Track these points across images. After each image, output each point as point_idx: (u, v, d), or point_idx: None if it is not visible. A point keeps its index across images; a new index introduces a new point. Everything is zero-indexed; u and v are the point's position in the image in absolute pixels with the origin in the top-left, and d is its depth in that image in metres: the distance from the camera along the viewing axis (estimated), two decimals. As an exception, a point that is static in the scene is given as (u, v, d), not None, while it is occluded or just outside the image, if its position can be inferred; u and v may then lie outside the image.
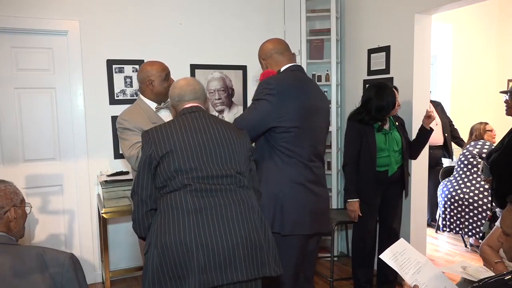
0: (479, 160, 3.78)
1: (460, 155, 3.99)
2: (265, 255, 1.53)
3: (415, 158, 3.02)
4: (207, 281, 1.43)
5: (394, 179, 2.80)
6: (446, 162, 4.60)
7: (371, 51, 3.39)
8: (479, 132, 3.95)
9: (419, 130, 2.90)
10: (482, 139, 3.91)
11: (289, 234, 1.85)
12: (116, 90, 3.28)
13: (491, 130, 3.94)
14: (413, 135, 3.04)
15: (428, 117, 2.83)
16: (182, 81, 1.80)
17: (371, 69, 3.39)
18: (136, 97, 3.30)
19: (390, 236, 2.81)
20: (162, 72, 2.33)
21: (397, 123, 2.87)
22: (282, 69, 1.99)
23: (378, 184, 2.75)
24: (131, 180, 2.57)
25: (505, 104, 2.53)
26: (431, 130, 2.87)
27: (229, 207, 1.52)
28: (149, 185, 1.60)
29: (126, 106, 3.24)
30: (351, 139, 2.78)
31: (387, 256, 1.60)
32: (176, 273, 1.44)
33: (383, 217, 2.87)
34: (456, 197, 3.85)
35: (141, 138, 1.67)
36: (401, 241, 1.68)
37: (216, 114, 3.64)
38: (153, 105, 2.37)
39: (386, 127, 2.81)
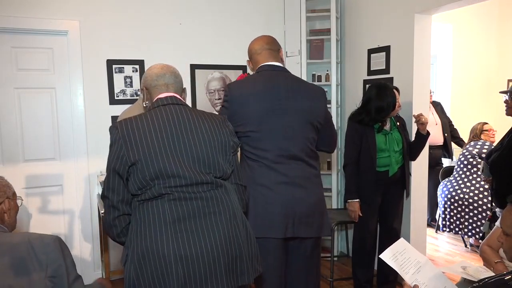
0: (479, 160, 3.78)
1: (460, 155, 4.00)
2: (244, 264, 1.47)
3: (414, 160, 3.02)
4: None
5: (395, 179, 2.80)
6: (446, 162, 4.60)
7: (371, 51, 3.39)
8: (475, 132, 3.95)
9: (416, 134, 2.89)
10: (480, 139, 3.91)
11: (258, 237, 1.76)
12: (116, 90, 3.28)
13: (488, 130, 3.94)
14: (413, 135, 3.04)
15: (421, 124, 2.79)
16: (160, 64, 1.63)
17: (371, 69, 3.40)
18: (137, 97, 3.32)
19: (391, 236, 2.80)
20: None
21: (398, 124, 2.87)
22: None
23: (379, 184, 2.76)
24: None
25: (505, 104, 2.53)
26: (428, 134, 2.85)
27: (209, 216, 1.43)
28: (120, 189, 1.45)
29: (126, 106, 3.27)
30: (351, 140, 2.78)
31: (387, 256, 1.60)
32: (154, 287, 1.35)
33: (383, 217, 2.87)
34: (456, 197, 3.85)
35: (110, 133, 1.47)
36: (401, 241, 1.68)
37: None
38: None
39: (387, 127, 2.81)
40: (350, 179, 2.78)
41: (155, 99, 1.56)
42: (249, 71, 2.14)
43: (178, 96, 1.58)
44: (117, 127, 1.46)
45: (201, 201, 1.44)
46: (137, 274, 1.37)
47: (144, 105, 1.64)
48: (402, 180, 2.85)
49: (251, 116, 1.83)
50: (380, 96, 2.67)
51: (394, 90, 2.76)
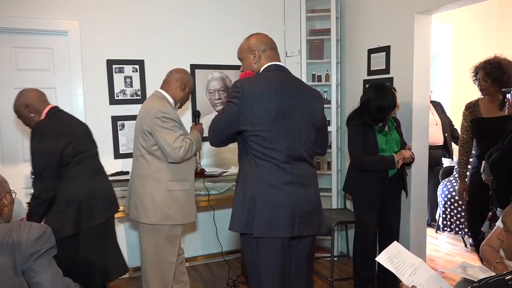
0: (479, 160, 3.78)
1: (460, 155, 3.99)
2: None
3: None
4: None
5: (394, 180, 2.80)
6: (446, 162, 4.60)
7: (371, 51, 3.39)
8: None
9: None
10: None
11: (263, 236, 1.81)
12: (116, 90, 3.28)
13: None
14: (413, 135, 3.04)
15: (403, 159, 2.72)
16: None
17: (371, 69, 3.40)
18: (137, 97, 3.32)
19: (391, 236, 2.80)
20: (192, 86, 2.57)
21: (395, 124, 2.88)
22: (261, 69, 1.95)
23: (377, 184, 2.76)
24: (127, 180, 2.57)
25: (506, 103, 2.53)
26: (403, 166, 2.81)
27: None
28: None
29: (126, 106, 3.29)
30: (357, 140, 2.75)
31: (383, 258, 1.62)
32: None
33: (383, 217, 2.86)
34: (456, 197, 3.85)
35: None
36: (395, 244, 1.71)
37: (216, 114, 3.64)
38: (173, 103, 2.47)
39: (386, 128, 2.81)
40: (377, 160, 2.71)
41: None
42: (243, 67, 2.05)
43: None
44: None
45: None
46: None
47: None
48: (400, 180, 2.85)
49: (262, 115, 1.81)
50: (380, 96, 2.67)
51: (393, 90, 2.76)
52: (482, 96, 2.96)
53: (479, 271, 1.85)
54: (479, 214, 2.82)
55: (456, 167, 4.02)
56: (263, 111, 1.80)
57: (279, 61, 1.98)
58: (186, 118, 3.47)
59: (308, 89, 1.99)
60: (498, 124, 2.76)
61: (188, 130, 2.56)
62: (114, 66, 3.25)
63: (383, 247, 2.63)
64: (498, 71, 2.74)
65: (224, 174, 3.20)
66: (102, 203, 2.27)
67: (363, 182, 2.77)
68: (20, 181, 3.04)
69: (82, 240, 2.20)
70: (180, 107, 2.56)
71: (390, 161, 2.71)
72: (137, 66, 3.31)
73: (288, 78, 1.94)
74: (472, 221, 2.98)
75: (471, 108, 2.96)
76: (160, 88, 2.49)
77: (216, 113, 3.63)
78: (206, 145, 3.48)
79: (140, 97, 3.31)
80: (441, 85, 5.02)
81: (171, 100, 2.44)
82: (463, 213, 3.82)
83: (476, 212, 2.87)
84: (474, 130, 2.94)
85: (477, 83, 2.93)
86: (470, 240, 3.92)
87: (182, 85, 2.46)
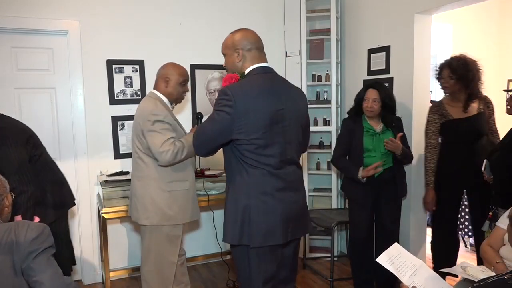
0: (479, 159, 3.77)
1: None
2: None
3: (404, 164, 2.94)
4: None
5: (386, 180, 2.77)
6: (446, 162, 4.59)
7: (371, 51, 3.39)
8: None
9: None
10: None
11: (259, 246, 1.78)
12: (116, 90, 3.28)
13: None
14: (413, 135, 3.04)
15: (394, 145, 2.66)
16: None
17: (371, 69, 3.40)
18: (137, 97, 3.32)
19: (388, 237, 2.76)
20: (180, 76, 2.43)
21: (393, 125, 2.80)
22: (246, 71, 1.86)
23: (367, 184, 2.73)
24: (129, 180, 2.57)
25: (506, 103, 2.53)
26: (401, 154, 2.73)
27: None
28: None
29: (126, 106, 3.29)
30: (340, 139, 2.89)
31: (383, 259, 1.63)
32: None
33: (378, 218, 2.84)
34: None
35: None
36: (395, 246, 1.71)
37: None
38: (167, 102, 2.44)
39: (378, 128, 2.78)
40: (345, 167, 2.83)
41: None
42: (225, 63, 1.94)
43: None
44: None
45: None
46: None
47: None
48: (392, 181, 2.79)
49: (257, 123, 1.74)
50: (358, 92, 2.82)
51: (371, 90, 2.70)
52: (445, 96, 2.84)
53: (479, 271, 1.85)
54: (448, 222, 2.86)
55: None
56: (257, 118, 1.73)
57: (266, 62, 1.89)
58: (186, 118, 3.47)
59: (293, 89, 1.95)
60: (469, 125, 2.73)
61: (188, 131, 2.55)
62: (114, 66, 3.25)
63: (380, 248, 2.63)
64: (464, 68, 2.67)
65: (224, 174, 3.19)
66: (67, 190, 2.45)
67: (353, 182, 2.77)
68: None
69: (61, 225, 2.34)
70: (176, 103, 2.52)
71: (353, 172, 2.71)
72: (137, 66, 3.31)
73: (276, 80, 1.88)
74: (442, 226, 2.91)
75: (439, 111, 2.81)
76: (153, 88, 2.47)
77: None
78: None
79: (140, 97, 3.32)
80: (441, 85, 5.02)
81: (165, 99, 2.40)
82: (463, 213, 3.82)
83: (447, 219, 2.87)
84: (446, 132, 2.81)
85: (441, 81, 2.79)
86: (470, 240, 3.92)
87: (165, 79, 2.39)
